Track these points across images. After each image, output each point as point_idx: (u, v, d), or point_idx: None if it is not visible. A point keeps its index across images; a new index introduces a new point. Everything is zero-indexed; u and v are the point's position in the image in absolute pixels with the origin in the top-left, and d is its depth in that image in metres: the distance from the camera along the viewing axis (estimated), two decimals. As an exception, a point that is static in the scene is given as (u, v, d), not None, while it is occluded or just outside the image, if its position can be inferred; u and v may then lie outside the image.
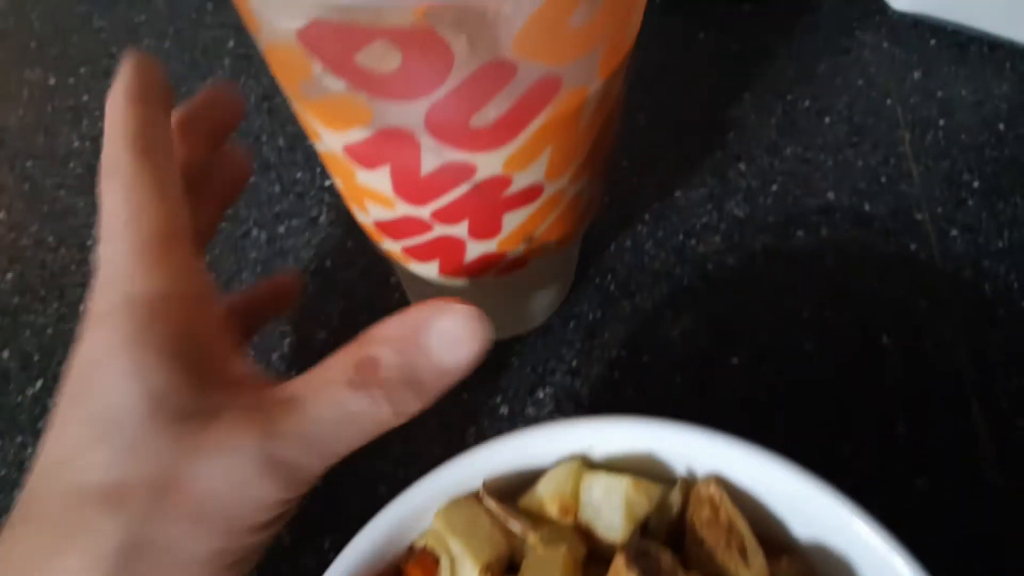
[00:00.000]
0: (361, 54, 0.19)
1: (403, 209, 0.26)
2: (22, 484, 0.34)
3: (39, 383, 0.38)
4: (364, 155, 0.24)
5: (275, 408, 0.23)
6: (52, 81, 0.49)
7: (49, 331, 0.40)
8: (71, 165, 0.45)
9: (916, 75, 0.45)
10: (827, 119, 0.44)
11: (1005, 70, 0.45)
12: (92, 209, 0.43)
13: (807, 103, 0.45)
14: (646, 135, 0.44)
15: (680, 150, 0.44)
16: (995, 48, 0.46)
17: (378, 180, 0.25)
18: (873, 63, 0.46)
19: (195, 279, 0.25)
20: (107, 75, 0.49)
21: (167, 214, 0.25)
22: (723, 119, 0.45)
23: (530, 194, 0.26)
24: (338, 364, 0.23)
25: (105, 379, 0.23)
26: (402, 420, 0.24)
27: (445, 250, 0.28)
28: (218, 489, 0.22)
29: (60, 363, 0.39)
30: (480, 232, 0.27)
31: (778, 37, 0.48)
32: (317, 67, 0.21)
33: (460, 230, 0.27)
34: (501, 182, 0.24)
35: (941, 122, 0.44)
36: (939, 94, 0.45)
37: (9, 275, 0.42)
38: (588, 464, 0.27)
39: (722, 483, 0.26)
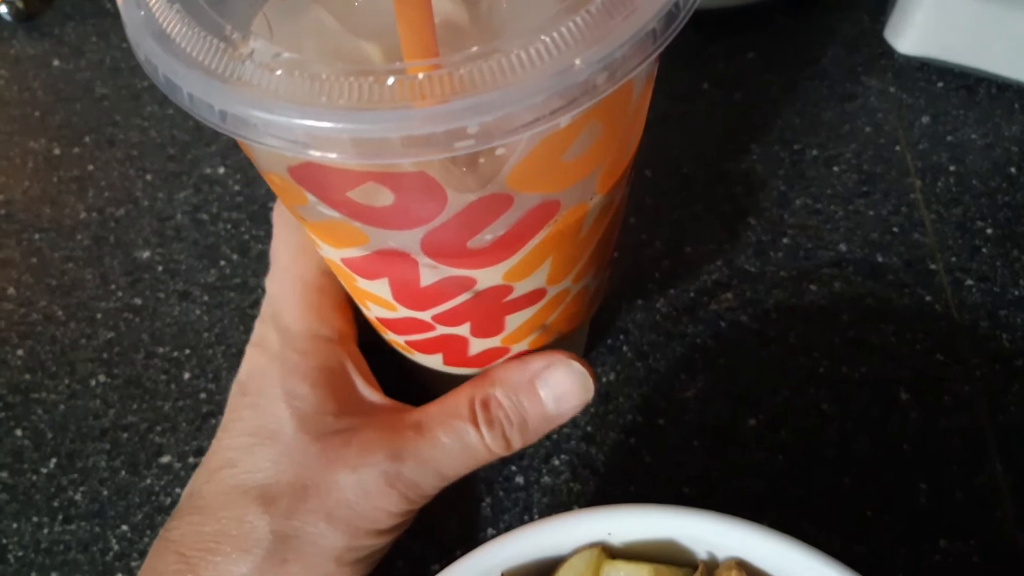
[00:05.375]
0: (353, 192, 0.19)
1: (404, 312, 0.26)
2: (40, 566, 0.34)
3: (52, 461, 0.38)
4: (362, 268, 0.24)
5: (403, 432, 0.27)
6: (57, 151, 0.49)
7: (61, 408, 0.40)
8: (78, 237, 0.45)
9: (925, 120, 0.45)
10: (836, 168, 0.44)
11: (1015, 111, 0.45)
12: (101, 281, 0.43)
13: (815, 152, 0.44)
14: (653, 190, 0.44)
15: (688, 204, 0.43)
16: (1004, 89, 0.45)
17: (378, 288, 0.25)
18: (880, 109, 0.46)
19: (341, 322, 0.30)
20: (112, 143, 0.49)
21: (320, 260, 0.30)
22: (730, 171, 0.44)
23: (533, 298, 0.25)
24: (461, 398, 0.28)
25: (266, 400, 0.28)
26: (508, 453, 0.28)
27: (448, 346, 0.28)
28: (349, 497, 0.26)
29: (73, 440, 0.38)
30: (483, 332, 0.27)
31: (783, 85, 0.47)
32: (312, 198, 0.20)
33: (463, 330, 0.27)
34: (503, 290, 0.24)
35: (952, 168, 0.43)
36: (949, 139, 0.44)
37: (20, 352, 0.41)
38: (608, 551, 0.27)
39: (743, 566, 0.26)
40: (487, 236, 0.21)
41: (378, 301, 0.26)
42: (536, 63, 0.16)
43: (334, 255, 0.24)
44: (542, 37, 0.16)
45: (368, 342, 0.32)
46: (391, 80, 0.16)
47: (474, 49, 0.16)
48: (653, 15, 0.17)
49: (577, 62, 0.16)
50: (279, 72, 0.17)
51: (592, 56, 0.16)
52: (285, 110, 0.16)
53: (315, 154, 0.17)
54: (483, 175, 0.19)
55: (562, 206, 0.21)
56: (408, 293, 0.24)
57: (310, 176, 0.20)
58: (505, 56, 0.16)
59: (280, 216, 0.31)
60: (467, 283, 0.23)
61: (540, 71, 0.16)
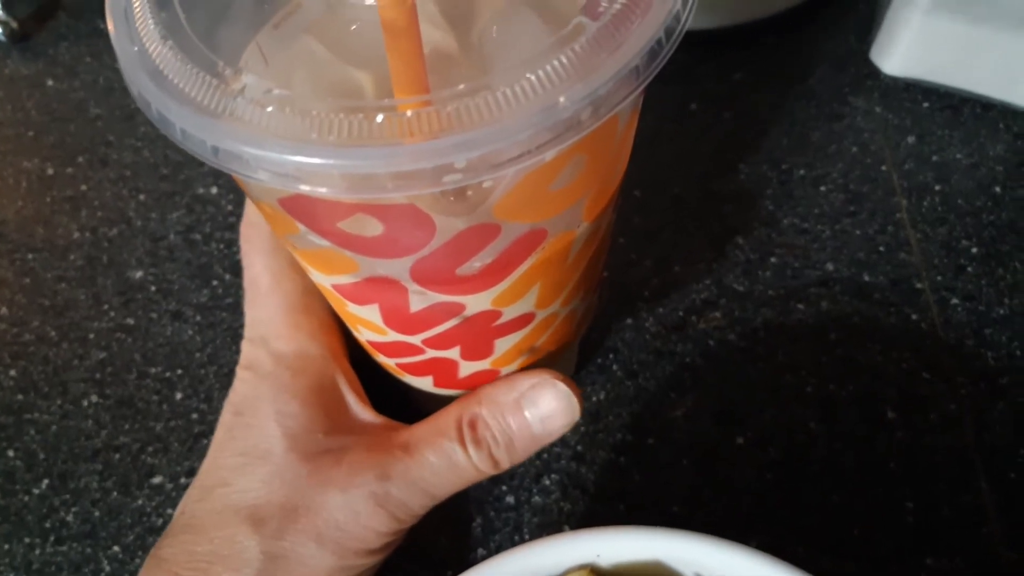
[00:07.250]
0: (343, 223, 0.20)
1: (395, 336, 0.26)
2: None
3: (45, 482, 0.38)
4: (353, 294, 0.24)
5: (392, 452, 0.27)
6: (50, 171, 0.49)
7: (53, 429, 0.40)
8: (71, 257, 0.45)
9: (910, 139, 0.45)
10: (823, 188, 0.44)
11: (999, 131, 0.45)
12: (93, 302, 0.44)
13: (802, 172, 0.45)
14: (642, 209, 0.44)
15: (677, 224, 0.44)
16: (988, 108, 0.46)
17: (368, 313, 0.25)
18: (867, 129, 0.46)
19: (329, 339, 0.31)
20: (105, 164, 0.49)
21: (303, 279, 0.30)
22: (719, 191, 0.45)
23: (521, 322, 0.26)
24: (449, 418, 0.28)
25: (258, 419, 0.28)
26: (497, 472, 0.28)
27: (438, 368, 0.28)
28: (338, 518, 0.26)
29: (66, 461, 0.38)
30: (472, 355, 0.27)
31: (771, 105, 0.48)
32: (302, 227, 0.21)
33: (452, 353, 0.27)
34: (491, 315, 0.24)
35: (937, 187, 0.43)
36: (934, 158, 0.45)
37: (12, 372, 0.42)
38: (597, 573, 0.27)
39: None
40: (475, 264, 0.21)
41: (369, 325, 0.26)
42: (522, 100, 0.17)
43: (325, 281, 0.24)
44: (528, 75, 0.17)
45: (360, 360, 0.32)
46: (380, 117, 0.16)
47: (462, 87, 0.17)
48: (637, 52, 0.17)
49: (562, 99, 0.17)
50: (270, 108, 0.17)
51: (576, 93, 0.17)
52: (276, 146, 0.17)
53: (305, 188, 0.17)
54: (471, 204, 0.20)
55: (549, 234, 0.22)
56: (398, 318, 0.25)
57: (301, 207, 0.20)
58: (492, 93, 0.17)
59: (250, 242, 0.32)
60: (456, 309, 0.24)
61: (526, 108, 0.17)
